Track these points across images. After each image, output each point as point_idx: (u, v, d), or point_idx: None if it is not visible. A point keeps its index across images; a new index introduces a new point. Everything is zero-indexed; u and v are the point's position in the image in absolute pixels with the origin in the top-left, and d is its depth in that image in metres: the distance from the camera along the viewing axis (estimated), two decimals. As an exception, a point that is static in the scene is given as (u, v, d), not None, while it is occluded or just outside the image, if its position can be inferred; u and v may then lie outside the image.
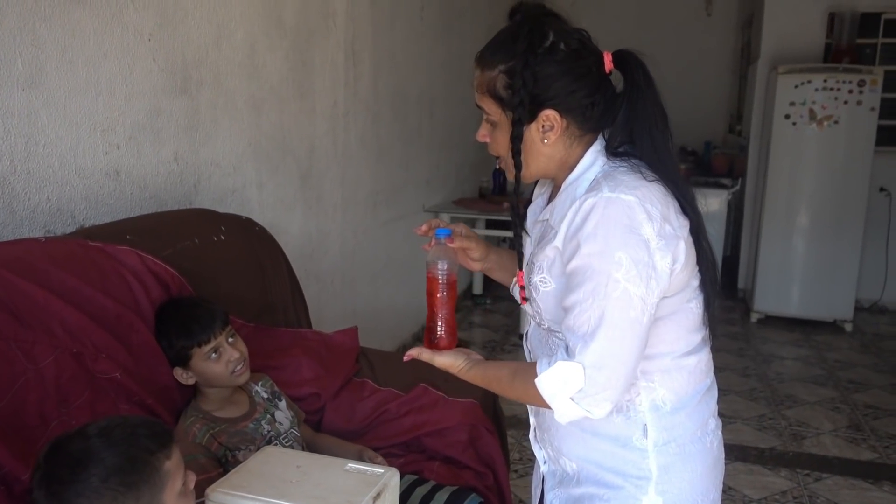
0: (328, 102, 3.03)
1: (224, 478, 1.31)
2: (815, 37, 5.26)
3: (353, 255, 3.41)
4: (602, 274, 1.07)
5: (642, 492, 1.19)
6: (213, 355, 1.59)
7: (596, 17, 7.57)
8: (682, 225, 1.13)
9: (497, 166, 1.11)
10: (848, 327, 4.93)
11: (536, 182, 1.34)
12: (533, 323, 1.33)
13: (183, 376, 1.60)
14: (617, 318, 1.06)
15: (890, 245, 5.28)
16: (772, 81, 4.98)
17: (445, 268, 1.31)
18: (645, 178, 1.12)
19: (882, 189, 5.22)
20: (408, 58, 3.90)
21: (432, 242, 1.33)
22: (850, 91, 4.67)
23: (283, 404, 1.77)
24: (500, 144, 1.23)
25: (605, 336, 1.07)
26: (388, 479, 1.28)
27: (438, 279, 1.31)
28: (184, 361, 1.60)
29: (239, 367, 1.62)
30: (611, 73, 1.18)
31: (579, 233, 1.10)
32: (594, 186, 1.12)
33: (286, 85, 2.69)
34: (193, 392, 1.66)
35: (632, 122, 1.16)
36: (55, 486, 1.02)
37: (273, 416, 1.71)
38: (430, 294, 1.32)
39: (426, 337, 1.35)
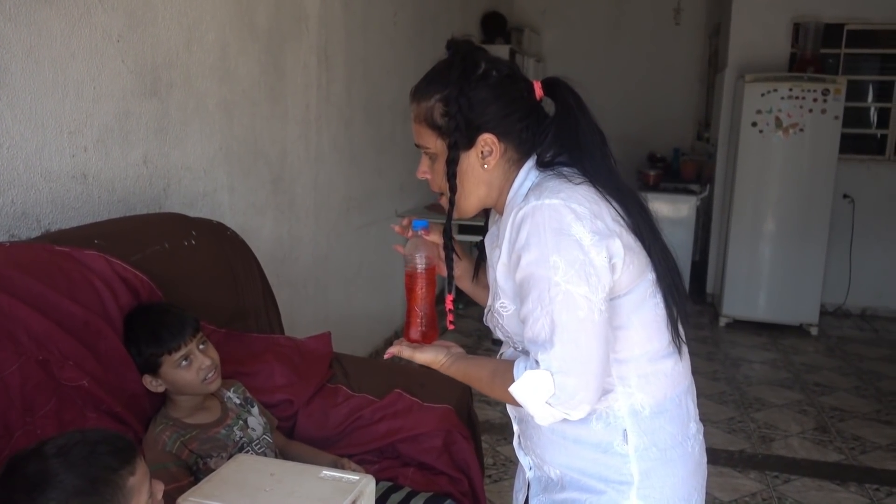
0: (300, 107, 3.01)
1: (196, 486, 1.29)
2: (780, 46, 5.36)
3: (326, 260, 3.39)
4: (543, 280, 1.09)
5: (624, 497, 1.19)
6: (184, 363, 1.56)
7: (565, 27, 7.66)
8: (616, 222, 1.14)
9: (439, 201, 1.14)
10: (814, 331, 5.02)
11: (488, 212, 1.36)
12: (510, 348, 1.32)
13: (152, 384, 1.57)
14: (566, 321, 1.07)
15: (853, 250, 5.40)
16: (739, 89, 5.06)
17: (424, 260, 1.30)
18: (571, 181, 1.14)
19: (846, 196, 5.34)
20: (381, 63, 3.89)
21: (410, 235, 1.32)
22: (815, 100, 4.77)
23: (255, 410, 1.74)
24: (440, 176, 1.24)
25: (561, 341, 1.08)
26: (363, 487, 1.27)
27: (417, 271, 1.30)
28: (153, 369, 1.56)
29: (210, 375, 1.60)
30: (541, 99, 1.23)
31: (516, 245, 1.13)
32: (524, 198, 1.14)
33: (258, 88, 2.66)
34: (163, 399, 1.63)
35: (563, 139, 1.19)
36: None
37: (246, 421, 1.69)
38: (409, 288, 1.31)
39: (406, 331, 1.34)
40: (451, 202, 1.23)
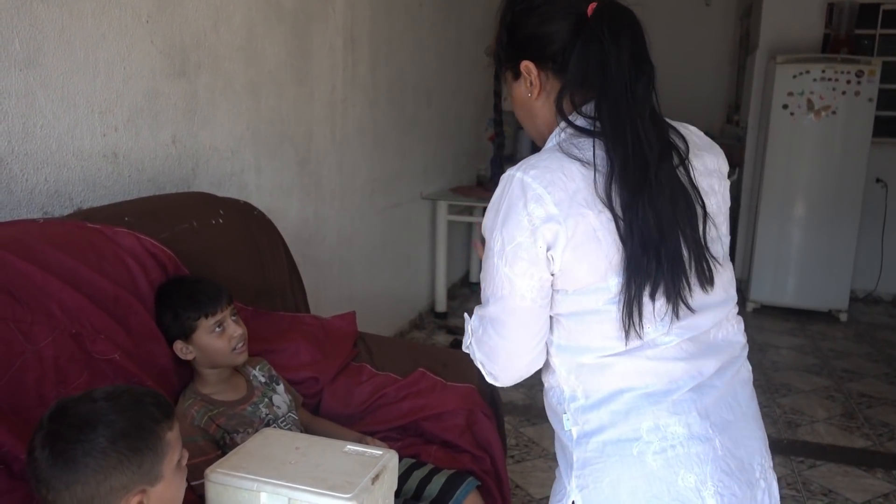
0: (326, 88, 3.02)
1: (223, 458, 1.32)
2: (813, 27, 5.25)
3: (351, 241, 3.41)
4: (488, 251, 1.06)
5: (567, 479, 1.12)
6: (218, 329, 1.60)
7: (594, 5, 7.55)
8: (581, 210, 1.00)
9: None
10: (843, 317, 4.95)
11: None
12: None
13: (183, 350, 1.60)
14: (497, 297, 1.06)
15: (885, 236, 5.30)
16: (770, 71, 4.97)
17: None
18: (565, 156, 1.03)
19: (878, 180, 5.23)
20: (405, 45, 3.89)
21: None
22: (848, 81, 4.67)
23: (280, 388, 1.77)
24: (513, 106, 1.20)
25: (489, 313, 1.08)
26: (386, 461, 1.29)
27: None
28: (187, 334, 1.60)
29: (240, 345, 1.64)
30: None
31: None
32: None
33: (284, 70, 2.68)
34: (191, 375, 1.66)
35: (587, 81, 1.06)
36: (61, 445, 1.01)
37: (271, 399, 1.71)
38: None
39: None
40: (498, 134, 1.20)
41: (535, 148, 1.16)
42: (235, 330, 1.62)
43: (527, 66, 1.12)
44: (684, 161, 1.06)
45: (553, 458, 2.79)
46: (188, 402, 1.60)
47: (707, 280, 1.06)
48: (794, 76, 4.75)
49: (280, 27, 2.62)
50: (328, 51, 3.00)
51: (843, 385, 3.79)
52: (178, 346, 1.60)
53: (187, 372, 1.67)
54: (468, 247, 5.43)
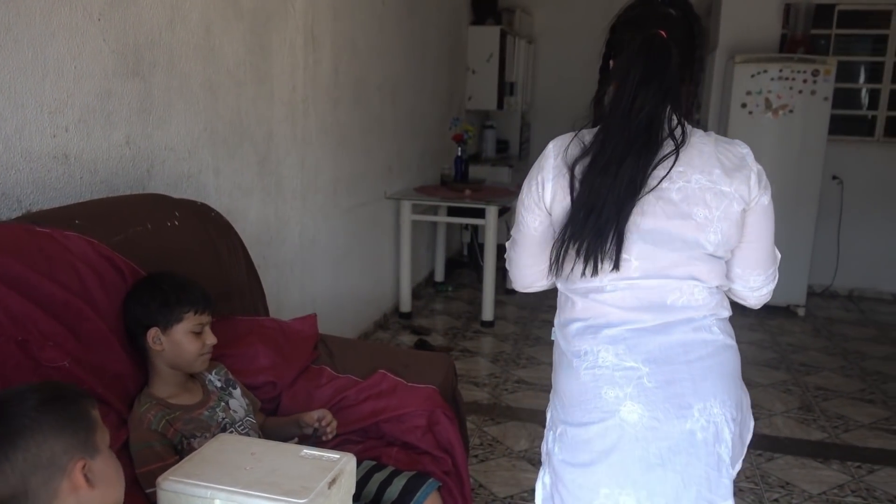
0: (287, 87, 2.99)
1: (177, 465, 1.30)
2: (771, 27, 5.35)
3: (313, 242, 3.38)
4: (519, 196, 1.48)
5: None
6: (197, 330, 1.60)
7: (557, 7, 7.61)
8: (559, 175, 1.37)
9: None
10: (801, 312, 5.05)
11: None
12: None
13: (155, 340, 1.58)
14: (517, 232, 1.49)
15: (841, 232, 5.42)
16: (729, 70, 5.06)
17: None
18: (575, 132, 1.40)
19: (835, 177, 5.35)
20: (369, 44, 3.87)
21: None
22: (805, 81, 4.76)
23: (237, 392, 1.75)
24: None
25: (511, 247, 1.53)
26: (344, 465, 1.28)
27: None
28: (168, 325, 1.58)
29: (206, 354, 1.63)
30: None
31: None
32: None
33: (243, 68, 2.65)
34: (146, 380, 1.63)
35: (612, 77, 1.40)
36: None
37: (227, 403, 1.69)
38: None
39: None
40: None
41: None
42: (210, 338, 1.62)
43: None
44: (660, 136, 1.32)
45: (516, 457, 2.81)
46: (144, 407, 1.57)
47: (610, 257, 1.32)
48: (753, 75, 4.83)
49: (238, 25, 2.59)
50: (288, 49, 2.97)
51: (800, 378, 3.87)
52: (153, 334, 1.58)
53: (143, 378, 1.64)
54: (433, 246, 5.43)
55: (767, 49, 5.26)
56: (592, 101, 1.42)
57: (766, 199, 1.39)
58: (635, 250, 1.32)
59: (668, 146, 1.31)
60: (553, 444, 1.43)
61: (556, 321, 1.49)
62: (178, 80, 2.27)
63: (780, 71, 4.79)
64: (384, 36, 4.09)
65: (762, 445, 3.07)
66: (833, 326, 4.86)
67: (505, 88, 6.45)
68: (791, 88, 4.79)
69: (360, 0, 3.70)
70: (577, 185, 1.32)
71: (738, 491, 2.70)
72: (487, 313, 4.53)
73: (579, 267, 1.34)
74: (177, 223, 1.92)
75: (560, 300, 1.48)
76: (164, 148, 2.24)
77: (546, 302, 5.15)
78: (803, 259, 5.00)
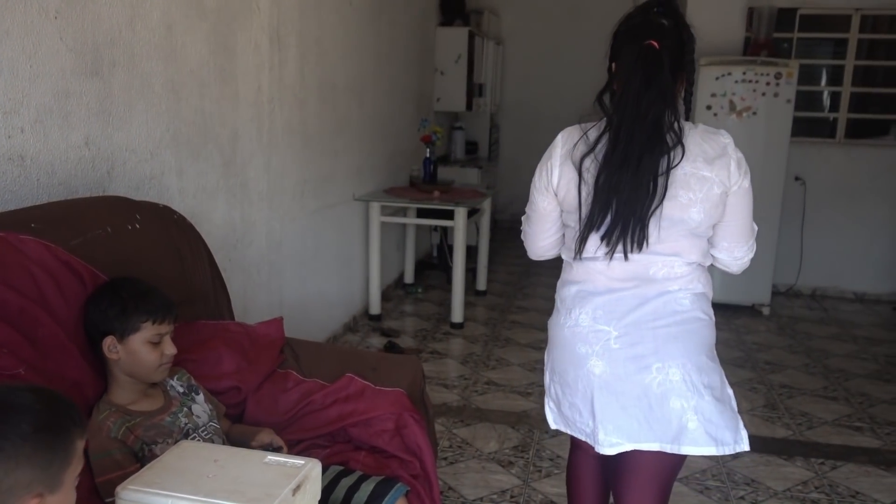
0: (252, 88, 2.95)
1: (137, 474, 1.27)
2: (735, 30, 5.43)
3: (281, 244, 3.35)
4: (533, 179, 1.73)
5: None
6: (156, 340, 1.56)
7: (525, 8, 7.65)
8: (566, 163, 1.63)
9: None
10: (765, 311, 5.13)
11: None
12: None
13: (111, 348, 1.54)
14: (530, 210, 1.76)
15: (805, 232, 5.52)
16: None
17: None
18: (581, 127, 1.64)
19: (797, 178, 5.45)
20: (336, 44, 3.84)
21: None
22: (768, 83, 4.84)
23: (200, 398, 1.71)
24: None
25: (525, 221, 1.81)
26: (308, 471, 1.26)
27: None
28: (125, 334, 1.54)
29: (166, 364, 1.59)
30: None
31: None
32: None
33: (207, 69, 2.60)
34: (105, 387, 1.59)
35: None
36: None
37: (190, 409, 1.66)
38: None
39: None
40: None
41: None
42: (170, 348, 1.59)
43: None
44: (666, 136, 1.54)
45: (485, 459, 2.81)
46: (103, 415, 1.53)
47: (636, 242, 1.55)
48: (717, 78, 4.90)
49: (202, 25, 2.55)
50: (253, 49, 2.93)
51: (765, 377, 3.93)
52: (109, 343, 1.54)
53: (101, 385, 1.60)
54: (403, 248, 5.41)
55: (731, 52, 5.33)
56: (597, 99, 1.61)
57: (746, 183, 1.61)
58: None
59: (670, 140, 1.53)
60: (550, 381, 1.77)
61: (558, 281, 1.77)
62: (139, 79, 2.23)
63: (744, 73, 4.86)
64: (351, 37, 4.07)
65: (728, 443, 3.10)
66: (797, 325, 4.94)
67: (473, 90, 6.46)
68: (755, 91, 4.86)
69: (326, 0, 3.67)
70: (586, 175, 1.58)
71: (704, 489, 2.73)
72: (457, 315, 4.52)
73: (602, 250, 1.59)
74: (138, 226, 1.89)
75: (564, 264, 1.77)
76: (124, 149, 2.19)
77: (515, 303, 5.17)
78: (768, 259, 5.08)
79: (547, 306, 5.09)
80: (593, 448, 1.66)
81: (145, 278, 1.81)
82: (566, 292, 1.70)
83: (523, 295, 5.42)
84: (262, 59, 3.01)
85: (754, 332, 4.73)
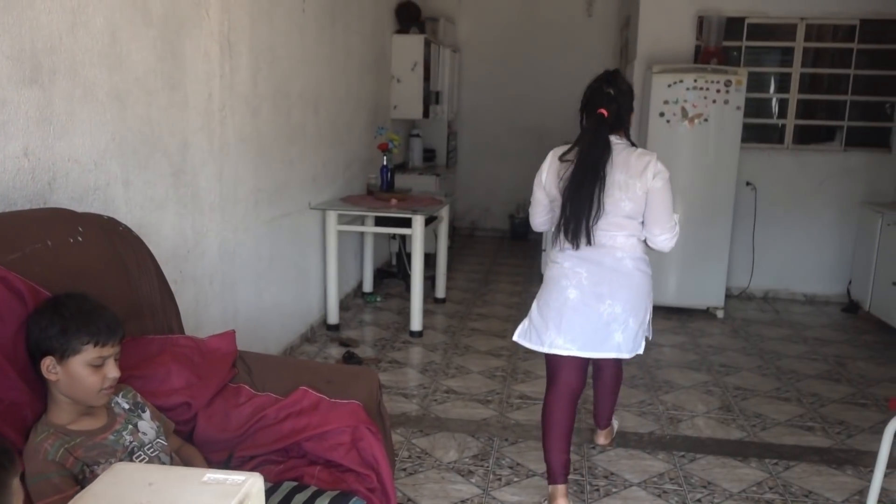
0: (202, 96, 2.89)
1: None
2: (686, 39, 5.53)
3: (234, 255, 3.28)
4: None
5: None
6: (97, 363, 1.50)
7: (481, 17, 7.69)
8: (551, 168, 2.54)
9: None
10: (720, 314, 5.22)
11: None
12: None
13: (50, 369, 1.48)
14: (532, 197, 2.64)
15: (756, 236, 5.64)
16: (647, 80, 5.19)
17: None
18: (566, 146, 2.52)
19: (748, 183, 5.56)
20: (289, 52, 3.79)
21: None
22: (718, 91, 4.94)
23: (147, 415, 1.66)
24: None
25: (530, 203, 2.67)
26: (249, 487, 1.22)
27: None
28: (65, 355, 1.48)
29: (108, 389, 1.53)
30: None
31: None
32: None
33: (154, 76, 2.54)
34: (44, 407, 1.53)
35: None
36: None
37: (136, 426, 1.61)
38: None
39: None
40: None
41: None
42: (112, 372, 1.52)
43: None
44: (603, 170, 2.43)
45: (446, 469, 2.79)
46: (41, 437, 1.48)
47: (584, 239, 2.46)
48: (669, 85, 4.98)
49: (148, 31, 2.49)
50: (203, 57, 2.87)
51: (720, 379, 3.99)
52: (48, 363, 1.48)
53: (41, 405, 1.54)
54: (361, 257, 5.37)
55: (683, 60, 5.43)
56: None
57: (658, 184, 2.44)
58: None
59: (603, 171, 2.43)
60: (535, 306, 2.60)
61: (551, 246, 2.65)
62: (81, 88, 2.16)
63: (695, 81, 4.94)
64: (305, 44, 4.03)
65: (685, 446, 3.14)
66: (750, 327, 5.03)
67: (430, 97, 6.45)
68: (706, 98, 4.95)
69: (278, 7, 3.62)
70: (561, 183, 2.47)
71: (661, 493, 2.74)
72: (416, 323, 4.49)
73: (566, 242, 2.50)
74: (80, 239, 1.82)
75: (554, 233, 2.61)
76: (67, 159, 2.12)
77: (474, 310, 5.16)
78: (721, 263, 5.17)
79: (506, 313, 5.12)
80: (565, 368, 2.57)
81: (90, 293, 1.75)
82: (556, 251, 2.58)
83: (482, 302, 5.42)
84: (212, 66, 2.95)
85: (709, 335, 4.80)
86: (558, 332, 2.48)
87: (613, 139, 2.46)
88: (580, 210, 2.40)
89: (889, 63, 5.50)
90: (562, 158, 2.47)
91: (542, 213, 2.62)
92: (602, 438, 3.13)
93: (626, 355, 2.54)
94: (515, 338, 2.60)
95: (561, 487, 2.54)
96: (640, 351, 2.57)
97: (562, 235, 2.49)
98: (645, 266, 2.53)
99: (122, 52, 2.35)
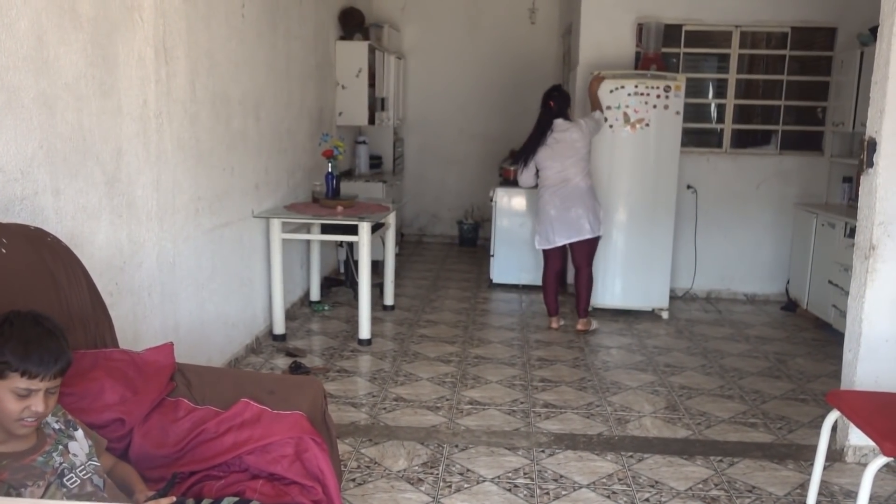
0: (137, 102, 2.81)
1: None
2: (626, 45, 5.63)
3: (174, 265, 3.19)
4: None
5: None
6: (23, 393, 1.42)
7: (425, 24, 7.70)
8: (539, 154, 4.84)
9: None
10: (665, 315, 5.31)
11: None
12: None
13: None
14: (524, 166, 4.96)
15: (698, 237, 5.76)
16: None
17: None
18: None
19: (689, 186, 5.69)
20: (229, 57, 3.72)
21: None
22: (658, 96, 5.04)
23: (79, 434, 1.59)
24: None
25: (519, 168, 5.00)
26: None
27: None
28: None
29: (30, 420, 1.45)
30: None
31: None
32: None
33: (85, 82, 2.45)
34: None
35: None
36: None
37: (66, 447, 1.53)
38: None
39: None
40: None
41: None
42: (38, 406, 1.44)
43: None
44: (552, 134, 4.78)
45: (395, 478, 2.76)
46: (-37, 460, 1.39)
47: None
48: (611, 91, 5.06)
49: (77, 35, 2.40)
50: (137, 61, 2.79)
51: (666, 379, 4.05)
52: None
53: (-37, 425, 1.46)
54: (307, 265, 5.30)
55: (623, 66, 5.53)
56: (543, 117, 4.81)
57: (587, 129, 4.79)
58: (559, 164, 4.72)
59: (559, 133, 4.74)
60: (536, 224, 4.94)
61: (539, 182, 4.86)
62: (4, 93, 2.06)
63: (636, 87, 5.04)
64: (245, 49, 3.95)
65: (633, 447, 3.17)
66: (694, 327, 5.13)
67: (376, 104, 6.42)
68: (646, 103, 5.05)
69: (216, 12, 3.55)
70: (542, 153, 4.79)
71: (611, 494, 2.76)
72: (364, 331, 4.45)
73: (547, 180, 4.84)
74: (4, 251, 1.74)
75: (541, 181, 4.83)
76: (-10, 168, 2.03)
77: (423, 317, 5.14)
78: (665, 264, 5.26)
79: (455, 319, 5.12)
80: (553, 258, 4.91)
81: (13, 307, 1.67)
82: (543, 189, 4.73)
83: (431, 308, 5.40)
84: (146, 71, 2.87)
85: (654, 336, 4.88)
86: (554, 234, 4.75)
87: (559, 120, 4.69)
88: (560, 166, 4.73)
89: (819, 69, 5.70)
90: (541, 145, 4.74)
91: (533, 176, 4.84)
92: (580, 325, 4.89)
93: (595, 235, 4.75)
94: (538, 246, 4.90)
95: (555, 317, 4.97)
96: (601, 233, 4.80)
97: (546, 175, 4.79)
98: (593, 189, 4.80)
99: (49, 57, 2.26)
